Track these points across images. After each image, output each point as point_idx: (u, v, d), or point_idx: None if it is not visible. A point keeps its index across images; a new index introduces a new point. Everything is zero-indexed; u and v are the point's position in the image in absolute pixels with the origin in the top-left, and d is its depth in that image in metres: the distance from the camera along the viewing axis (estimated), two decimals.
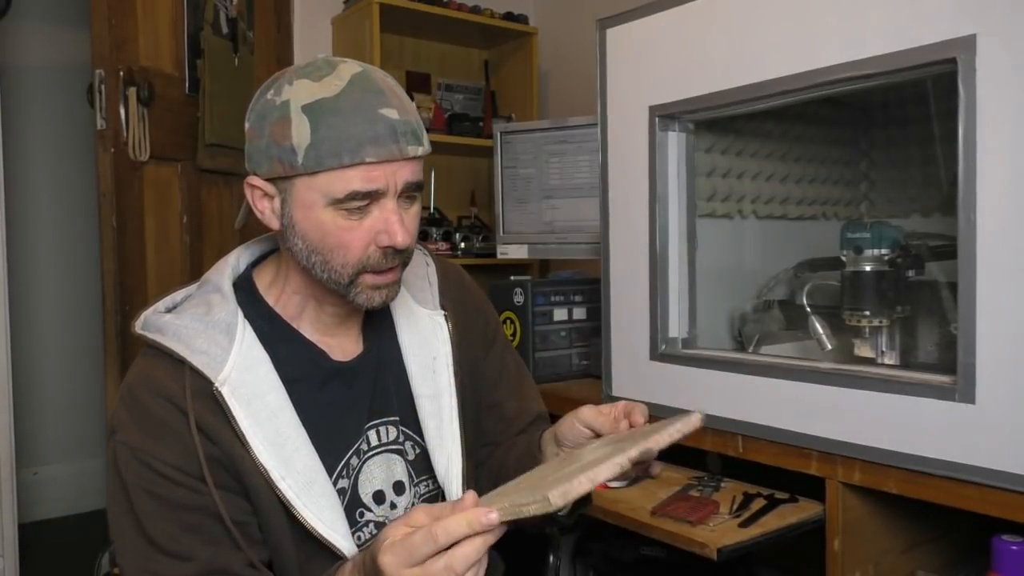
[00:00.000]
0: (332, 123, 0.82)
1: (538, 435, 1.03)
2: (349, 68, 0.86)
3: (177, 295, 0.96)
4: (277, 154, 0.84)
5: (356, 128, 0.82)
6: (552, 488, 0.67)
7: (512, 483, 0.80)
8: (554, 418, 0.97)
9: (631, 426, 0.88)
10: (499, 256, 2.37)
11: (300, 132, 0.82)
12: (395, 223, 0.85)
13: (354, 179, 0.83)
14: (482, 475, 1.09)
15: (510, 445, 1.10)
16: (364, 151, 0.82)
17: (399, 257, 0.89)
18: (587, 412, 0.92)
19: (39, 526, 3.05)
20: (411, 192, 0.88)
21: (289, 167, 0.84)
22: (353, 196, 0.83)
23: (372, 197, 0.85)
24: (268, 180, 0.87)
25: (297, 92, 0.84)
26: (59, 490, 3.20)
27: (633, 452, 0.73)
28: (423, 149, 0.87)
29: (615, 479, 0.73)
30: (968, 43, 1.00)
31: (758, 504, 1.33)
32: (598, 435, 0.91)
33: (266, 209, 0.90)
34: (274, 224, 0.90)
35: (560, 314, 1.94)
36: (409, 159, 0.85)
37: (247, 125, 0.88)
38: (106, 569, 1.06)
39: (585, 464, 0.75)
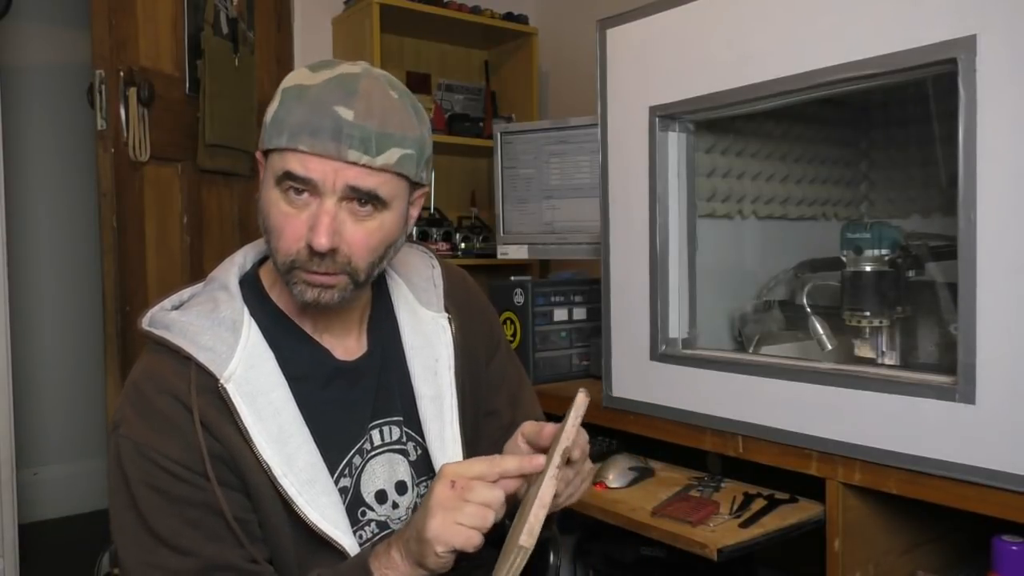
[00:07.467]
0: (291, 107, 0.84)
1: None
2: (348, 67, 0.87)
3: (184, 293, 0.97)
4: (262, 129, 0.88)
5: (303, 116, 0.83)
6: (518, 535, 0.75)
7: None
8: (553, 419, 0.96)
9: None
10: (499, 256, 2.37)
11: (270, 110, 0.87)
12: (323, 223, 0.83)
13: (291, 160, 0.83)
14: None
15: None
16: (300, 139, 0.83)
17: (329, 264, 0.85)
18: (529, 426, 0.90)
19: (39, 526, 3.05)
20: (364, 199, 0.84)
21: (262, 142, 0.88)
22: (288, 176, 0.84)
23: (309, 188, 0.84)
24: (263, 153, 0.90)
25: (291, 77, 0.88)
26: (59, 490, 3.20)
27: (557, 459, 0.80)
28: (369, 159, 0.82)
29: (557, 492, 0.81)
30: (968, 43, 1.00)
31: (758, 504, 1.33)
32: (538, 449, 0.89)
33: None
34: None
35: (560, 314, 1.94)
36: (351, 163, 0.82)
37: None
38: (106, 570, 1.06)
39: (532, 495, 0.80)
